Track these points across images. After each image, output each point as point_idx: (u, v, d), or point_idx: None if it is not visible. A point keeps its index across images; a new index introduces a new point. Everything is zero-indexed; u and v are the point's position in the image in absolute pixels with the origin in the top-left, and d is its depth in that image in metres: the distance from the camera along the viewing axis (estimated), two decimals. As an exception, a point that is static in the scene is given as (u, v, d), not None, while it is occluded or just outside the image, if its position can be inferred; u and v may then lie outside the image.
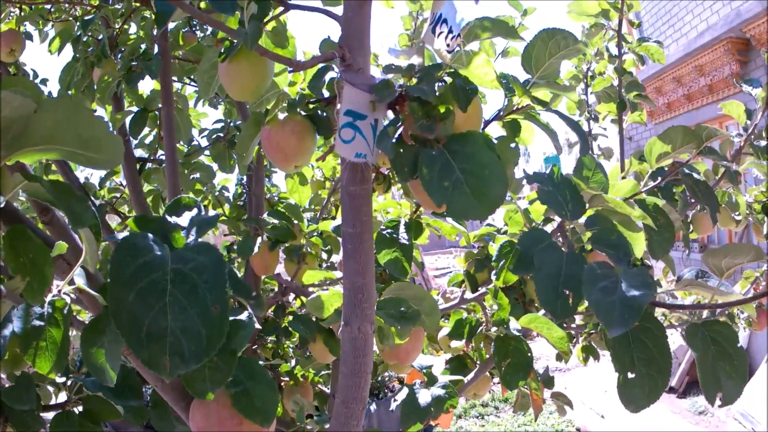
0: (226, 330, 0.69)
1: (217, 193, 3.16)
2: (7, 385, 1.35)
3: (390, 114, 1.15)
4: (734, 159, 1.97)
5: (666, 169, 1.62)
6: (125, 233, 0.86)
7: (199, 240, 0.81)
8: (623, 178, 1.98)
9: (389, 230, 1.53)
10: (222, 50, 1.32)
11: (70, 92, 2.70)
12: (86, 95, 2.60)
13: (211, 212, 0.97)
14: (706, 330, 1.12)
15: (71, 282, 0.83)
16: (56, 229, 0.92)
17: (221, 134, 2.76)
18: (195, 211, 0.95)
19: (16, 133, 0.67)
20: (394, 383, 6.40)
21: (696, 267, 1.22)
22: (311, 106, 1.35)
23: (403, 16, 3.45)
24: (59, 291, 0.80)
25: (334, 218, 3.31)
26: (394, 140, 1.05)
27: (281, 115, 1.35)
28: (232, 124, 2.81)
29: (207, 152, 2.84)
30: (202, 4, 2.00)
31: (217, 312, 0.69)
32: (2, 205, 0.77)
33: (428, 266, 13.36)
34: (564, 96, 1.36)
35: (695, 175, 1.64)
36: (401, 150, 1.04)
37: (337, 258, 2.49)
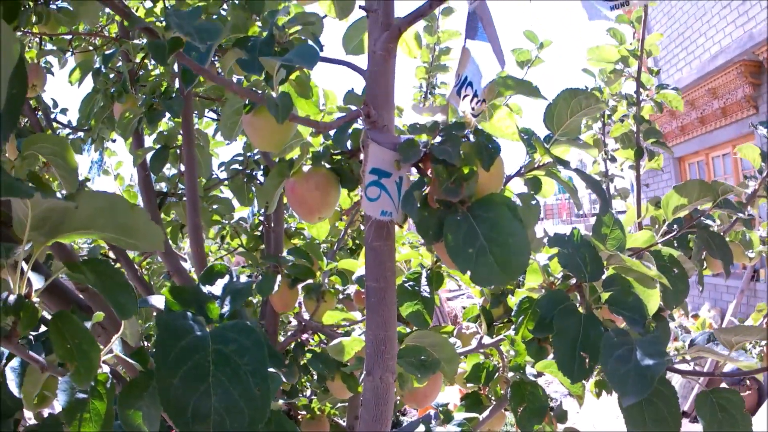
0: (269, 409, 0.72)
1: (234, 223, 3.20)
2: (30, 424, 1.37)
3: (414, 170, 1.17)
4: (749, 201, 1.99)
5: (682, 218, 1.65)
6: (162, 304, 0.89)
7: (240, 321, 0.84)
8: (639, 223, 2.01)
9: (411, 282, 1.56)
10: (246, 101, 1.35)
11: (90, 122, 2.75)
12: (106, 126, 2.64)
13: (243, 278, 0.99)
14: (714, 397, 1.16)
15: (110, 351, 0.86)
16: (91, 294, 0.96)
17: (240, 167, 2.79)
18: (227, 278, 0.98)
19: (55, 223, 0.70)
20: (405, 407, 6.40)
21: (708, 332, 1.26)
22: (335, 158, 1.38)
23: (417, 67, 3.49)
24: (100, 363, 0.83)
25: (350, 249, 3.34)
26: (419, 203, 1.08)
27: (305, 168, 1.37)
28: (251, 156, 2.83)
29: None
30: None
31: (259, 392, 0.72)
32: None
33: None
34: (584, 151, 1.39)
35: (711, 227, 1.67)
36: (426, 214, 1.07)
37: (352, 288, 2.51)
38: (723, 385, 1.86)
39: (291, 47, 1.25)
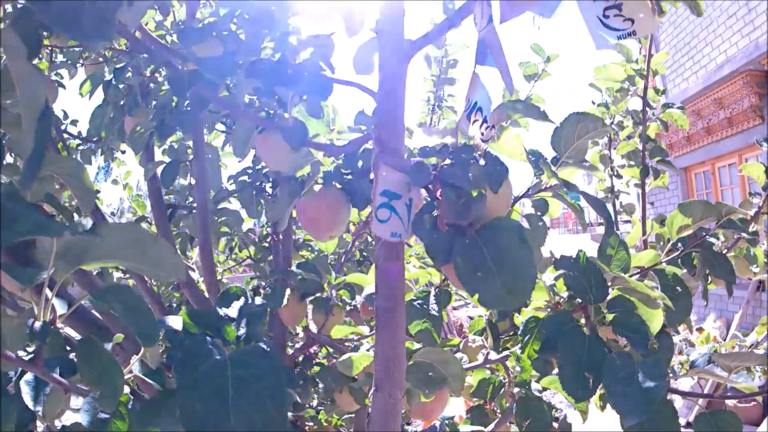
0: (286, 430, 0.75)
1: (242, 234, 3.23)
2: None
3: (423, 192, 1.20)
4: (754, 219, 2.01)
5: (687, 237, 1.68)
6: (180, 325, 0.92)
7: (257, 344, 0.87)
8: (644, 241, 2.03)
9: (420, 301, 1.59)
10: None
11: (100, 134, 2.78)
12: (116, 138, 2.67)
13: (257, 300, 1.02)
14: (713, 419, 1.19)
15: (130, 372, 0.89)
16: (109, 315, 0.99)
17: (249, 180, 2.82)
18: (242, 300, 1.01)
19: (80, 252, 0.74)
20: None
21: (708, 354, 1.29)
22: (346, 177, 1.41)
23: (425, 80, 3.51)
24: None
25: (357, 261, 3.37)
26: (428, 226, 1.11)
27: (317, 187, 1.40)
28: (260, 169, 2.85)
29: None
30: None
31: (276, 416, 0.74)
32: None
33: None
34: (591, 173, 1.41)
35: (714, 245, 1.69)
36: (436, 237, 1.10)
37: (359, 298, 2.53)
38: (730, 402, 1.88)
39: (303, 70, 1.28)
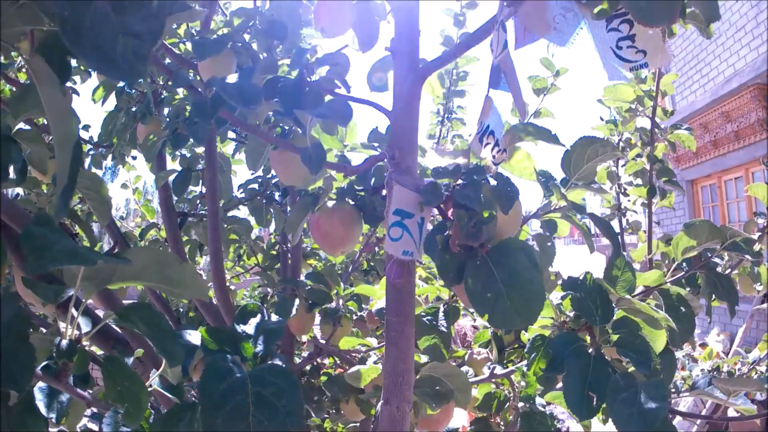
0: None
1: (251, 242, 3.25)
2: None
3: (435, 210, 1.23)
4: (759, 239, 2.04)
5: (692, 258, 1.71)
6: (199, 341, 0.95)
7: (275, 362, 0.90)
8: (650, 259, 2.06)
9: (429, 317, 1.62)
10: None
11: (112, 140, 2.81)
12: (127, 144, 2.70)
13: (274, 318, 1.05)
14: None
15: (149, 386, 0.92)
16: (130, 331, 1.02)
17: (258, 189, 2.84)
18: (259, 317, 1.04)
19: (107, 274, 0.77)
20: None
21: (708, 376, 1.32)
22: (359, 194, 1.43)
23: (435, 92, 3.53)
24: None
25: (365, 271, 3.40)
26: (440, 247, 1.14)
27: (330, 203, 1.43)
28: (270, 178, 2.88)
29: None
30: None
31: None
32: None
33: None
34: (599, 195, 1.44)
35: (718, 266, 1.72)
36: (447, 257, 1.12)
37: (365, 307, 2.55)
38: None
39: (320, 88, 1.30)
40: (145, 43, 0.55)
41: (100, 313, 1.35)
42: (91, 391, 0.89)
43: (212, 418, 0.76)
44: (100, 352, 1.53)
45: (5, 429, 0.72)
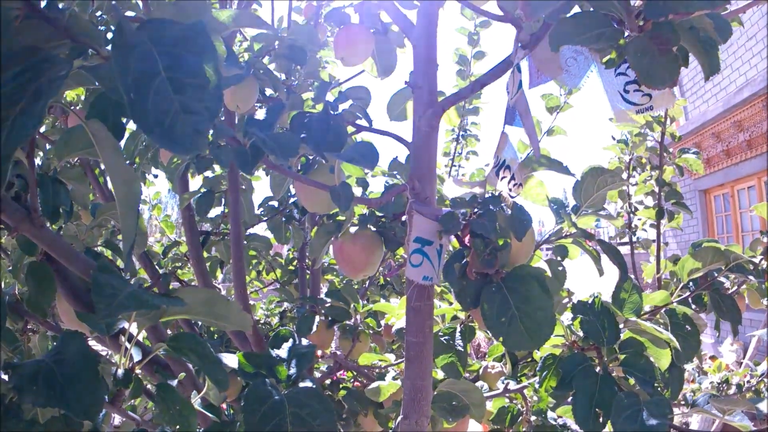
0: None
1: (270, 258, 3.34)
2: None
3: (453, 239, 1.30)
4: (765, 255, 2.10)
5: (698, 279, 1.79)
6: (236, 364, 1.03)
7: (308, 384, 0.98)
8: (658, 278, 2.13)
9: (446, 336, 1.69)
10: (299, 166, 1.49)
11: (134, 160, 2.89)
12: (150, 163, 2.78)
13: (305, 342, 1.14)
14: None
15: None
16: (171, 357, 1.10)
17: (278, 207, 2.91)
18: (290, 341, 1.13)
19: (159, 312, 0.85)
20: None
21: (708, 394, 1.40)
22: (380, 221, 1.51)
23: (452, 121, 3.60)
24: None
25: (381, 286, 3.47)
26: (458, 274, 1.21)
27: (352, 229, 1.51)
28: (289, 196, 2.95)
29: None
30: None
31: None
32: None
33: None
34: (609, 221, 1.52)
35: (724, 284, 1.80)
36: (465, 283, 1.20)
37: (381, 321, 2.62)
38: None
39: (343, 122, 1.38)
40: (204, 120, 0.63)
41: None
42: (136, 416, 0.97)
43: (255, 438, 0.84)
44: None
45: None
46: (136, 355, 0.90)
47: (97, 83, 0.78)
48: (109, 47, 0.76)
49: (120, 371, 0.85)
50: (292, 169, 1.36)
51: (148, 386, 1.29)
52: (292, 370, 1.04)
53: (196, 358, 0.85)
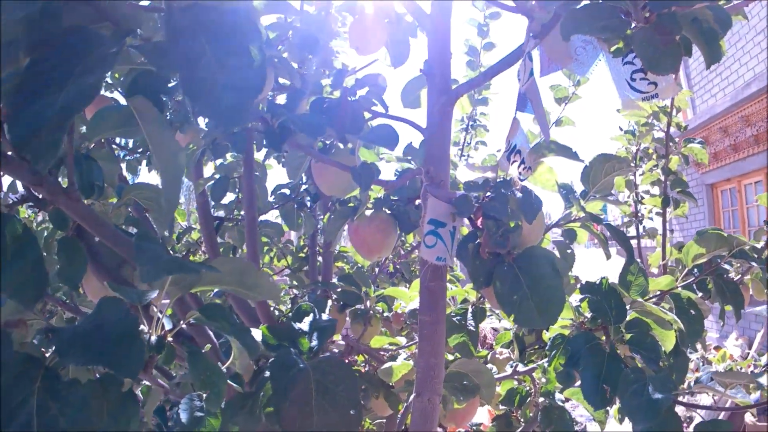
0: (359, 428, 0.91)
1: (281, 245, 3.38)
2: None
3: (466, 221, 1.35)
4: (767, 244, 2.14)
5: (702, 264, 1.83)
6: (260, 337, 1.08)
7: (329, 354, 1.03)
8: (663, 265, 2.17)
9: (458, 317, 1.74)
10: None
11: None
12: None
13: (325, 317, 1.19)
14: (711, 427, 1.35)
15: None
16: (195, 326, 1.15)
17: (290, 194, 2.94)
18: (311, 315, 1.18)
19: (192, 280, 0.90)
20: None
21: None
22: (394, 204, 1.56)
23: (464, 109, 3.64)
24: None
25: (391, 273, 3.51)
26: (471, 254, 1.26)
27: (368, 212, 1.56)
28: (301, 183, 2.98)
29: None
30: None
31: (353, 414, 0.91)
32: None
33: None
34: (616, 206, 1.56)
35: (728, 272, 1.85)
36: (478, 263, 1.25)
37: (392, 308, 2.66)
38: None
39: (360, 108, 1.42)
40: (247, 97, 0.68)
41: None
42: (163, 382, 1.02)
43: (281, 401, 0.89)
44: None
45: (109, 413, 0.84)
46: (167, 324, 0.95)
47: (144, 60, 0.83)
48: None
49: (153, 338, 0.90)
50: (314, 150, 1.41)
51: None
52: (314, 342, 1.09)
53: (228, 325, 0.90)
